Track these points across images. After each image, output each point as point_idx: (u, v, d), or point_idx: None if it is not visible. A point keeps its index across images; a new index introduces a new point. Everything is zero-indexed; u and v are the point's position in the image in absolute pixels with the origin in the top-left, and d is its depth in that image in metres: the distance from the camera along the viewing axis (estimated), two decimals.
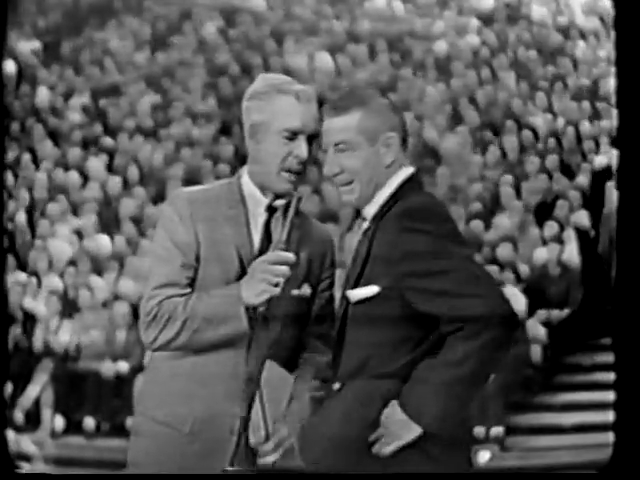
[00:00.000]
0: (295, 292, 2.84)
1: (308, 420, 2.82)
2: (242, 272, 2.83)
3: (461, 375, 2.58)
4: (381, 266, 2.68)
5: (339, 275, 2.99)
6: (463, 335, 2.58)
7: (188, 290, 2.83)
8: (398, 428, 2.62)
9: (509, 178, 10.74)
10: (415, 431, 2.61)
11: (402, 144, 2.81)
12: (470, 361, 2.57)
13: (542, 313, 9.47)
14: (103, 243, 10.81)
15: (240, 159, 11.11)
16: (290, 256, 2.74)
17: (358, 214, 2.88)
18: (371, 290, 2.70)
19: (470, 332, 2.57)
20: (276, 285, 2.72)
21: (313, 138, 2.86)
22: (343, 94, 2.94)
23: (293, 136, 2.83)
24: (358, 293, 2.73)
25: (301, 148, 2.83)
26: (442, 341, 2.63)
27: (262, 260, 2.75)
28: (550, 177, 10.69)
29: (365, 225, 2.82)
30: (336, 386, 2.78)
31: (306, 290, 2.87)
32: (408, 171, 2.82)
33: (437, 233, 2.65)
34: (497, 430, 8.77)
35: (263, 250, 2.86)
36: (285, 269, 2.73)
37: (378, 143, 2.78)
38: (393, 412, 2.63)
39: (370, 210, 2.80)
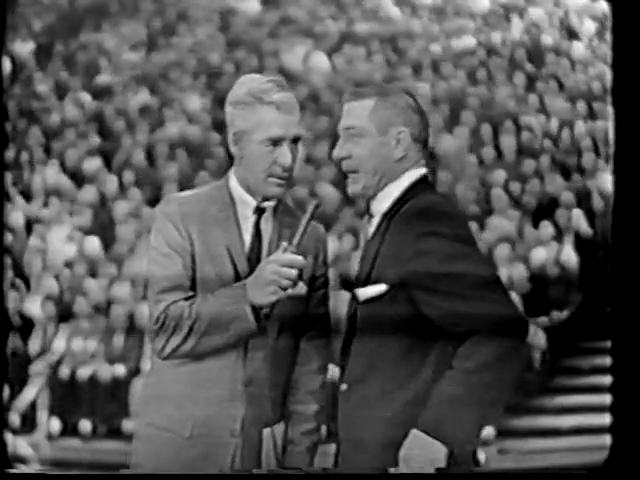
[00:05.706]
0: (291, 291, 2.82)
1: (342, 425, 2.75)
2: (235, 272, 2.85)
3: (482, 382, 2.51)
4: (391, 265, 2.64)
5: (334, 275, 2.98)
6: (477, 341, 2.51)
7: (191, 293, 2.83)
8: (426, 454, 2.52)
9: (504, 180, 10.73)
10: (442, 452, 2.52)
11: (419, 144, 2.77)
12: (490, 368, 2.50)
13: (541, 319, 9.45)
14: (98, 246, 10.79)
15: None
16: (302, 260, 2.74)
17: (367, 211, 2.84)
18: (379, 288, 2.66)
19: (484, 339, 2.50)
20: (285, 289, 2.72)
21: (296, 142, 2.88)
22: (368, 84, 2.91)
23: (276, 143, 2.84)
24: (366, 292, 2.70)
25: (285, 155, 2.84)
26: (447, 354, 2.58)
27: (271, 261, 2.74)
28: (546, 178, 10.67)
29: (374, 222, 2.78)
30: (343, 387, 2.76)
31: (302, 288, 2.85)
32: (420, 171, 2.78)
33: (453, 235, 2.59)
34: (495, 432, 8.75)
35: (254, 250, 2.88)
36: (295, 273, 2.73)
37: (388, 135, 2.74)
38: (415, 440, 2.54)
39: (378, 207, 2.76)
